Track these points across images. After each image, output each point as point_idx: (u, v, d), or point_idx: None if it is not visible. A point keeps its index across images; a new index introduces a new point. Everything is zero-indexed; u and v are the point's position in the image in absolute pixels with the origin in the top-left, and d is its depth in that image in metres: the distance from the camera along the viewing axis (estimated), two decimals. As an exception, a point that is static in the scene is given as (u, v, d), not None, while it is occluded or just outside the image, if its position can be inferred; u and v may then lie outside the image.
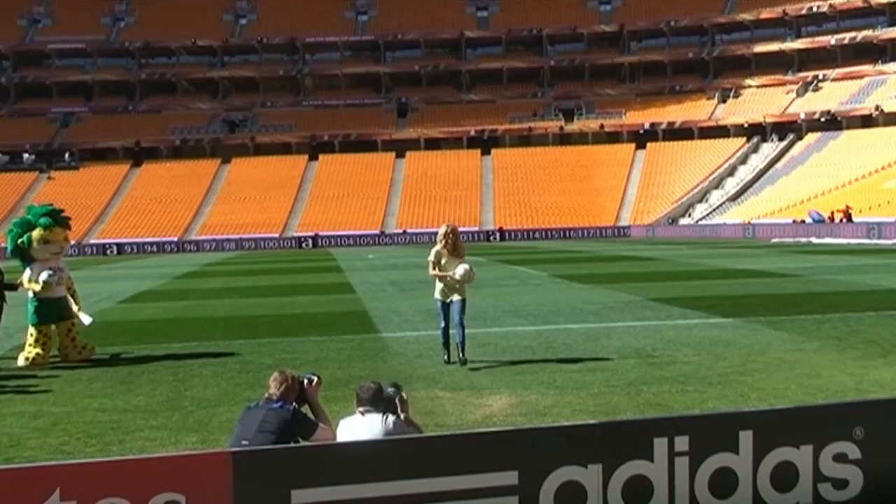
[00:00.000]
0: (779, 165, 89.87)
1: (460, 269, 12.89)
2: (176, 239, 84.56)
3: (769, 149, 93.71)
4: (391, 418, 6.83)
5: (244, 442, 6.55)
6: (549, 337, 15.68)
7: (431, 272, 13.17)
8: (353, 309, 21.85)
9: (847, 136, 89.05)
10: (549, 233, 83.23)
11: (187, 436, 9.27)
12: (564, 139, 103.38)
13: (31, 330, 14.72)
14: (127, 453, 8.41)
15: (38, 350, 14.52)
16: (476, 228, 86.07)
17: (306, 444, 6.57)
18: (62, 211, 15.41)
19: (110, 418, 10.24)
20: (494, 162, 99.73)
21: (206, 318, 20.58)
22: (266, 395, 7.00)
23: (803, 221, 66.42)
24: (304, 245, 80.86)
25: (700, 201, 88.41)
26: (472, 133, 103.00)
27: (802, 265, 33.41)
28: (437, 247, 13.19)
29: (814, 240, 58.84)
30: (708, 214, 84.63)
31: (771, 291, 23.22)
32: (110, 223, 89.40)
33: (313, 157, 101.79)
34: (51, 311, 14.75)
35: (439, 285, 13.17)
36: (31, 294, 14.85)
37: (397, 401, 7.13)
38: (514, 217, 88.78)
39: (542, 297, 23.60)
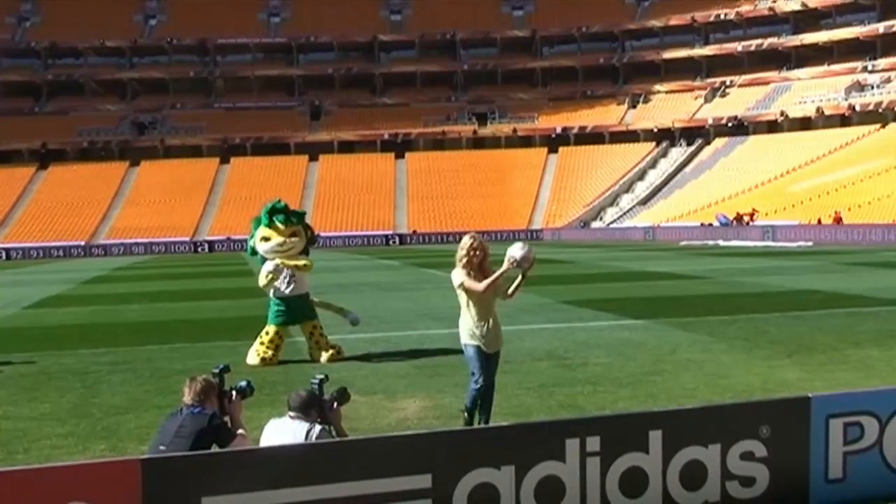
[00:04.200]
0: (687, 169, 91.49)
1: (517, 249, 8.73)
2: (83, 243, 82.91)
3: (678, 153, 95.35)
4: (317, 430, 6.75)
5: (161, 448, 6.48)
6: (462, 340, 15.73)
7: (480, 288, 8.90)
8: (266, 313, 21.68)
9: (753, 140, 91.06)
10: (463, 236, 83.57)
11: (96, 443, 9.10)
12: (478, 143, 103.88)
13: (269, 328, 14.44)
14: (33, 462, 8.21)
15: (272, 352, 14.23)
16: (390, 232, 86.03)
17: (218, 450, 6.49)
18: (285, 207, 14.83)
19: (15, 426, 9.99)
20: (408, 165, 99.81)
21: (115, 324, 20.22)
22: (183, 402, 6.91)
23: (711, 224, 67.70)
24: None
25: (611, 205, 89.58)
26: (386, 136, 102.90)
27: (710, 267, 34.04)
28: (459, 268, 9.12)
29: (721, 242, 60.00)
30: (619, 218, 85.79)
31: (680, 293, 23.61)
32: (15, 227, 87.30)
33: (225, 160, 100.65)
34: (288, 311, 14.49)
35: (478, 325, 8.96)
36: (271, 294, 14.61)
37: (329, 407, 7.06)
38: (429, 220, 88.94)
39: (456, 300, 23.64)
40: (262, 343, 14.36)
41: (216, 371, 7.19)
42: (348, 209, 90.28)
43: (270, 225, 14.64)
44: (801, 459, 6.60)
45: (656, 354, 13.59)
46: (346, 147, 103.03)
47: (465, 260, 9.00)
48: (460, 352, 14.35)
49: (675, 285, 26.35)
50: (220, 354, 14.61)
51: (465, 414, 9.00)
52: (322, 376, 7.12)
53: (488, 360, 8.94)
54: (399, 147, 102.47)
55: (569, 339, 15.51)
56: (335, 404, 7.11)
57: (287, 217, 14.69)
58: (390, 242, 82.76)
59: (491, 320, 8.97)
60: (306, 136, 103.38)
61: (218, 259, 60.88)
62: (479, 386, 8.87)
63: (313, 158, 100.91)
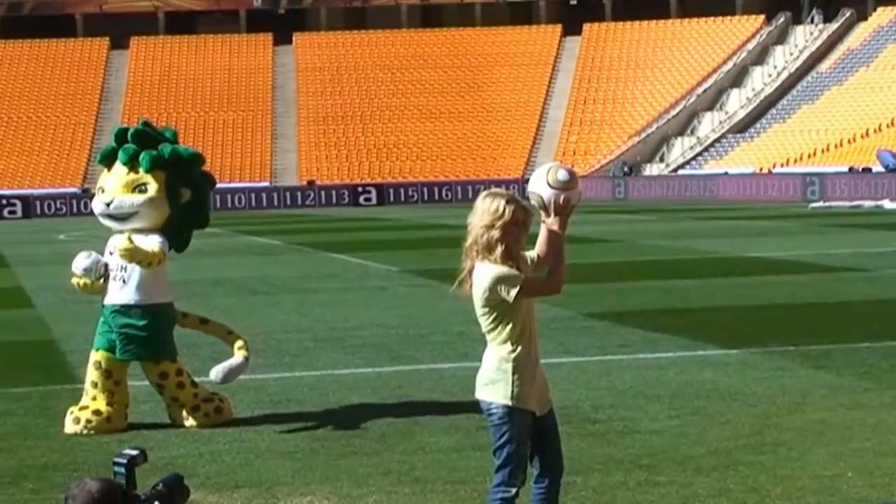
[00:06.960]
0: (823, 67, 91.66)
1: (561, 171, 8.18)
2: None
3: (806, 36, 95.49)
4: None
5: None
6: (400, 386, 15.79)
7: (557, 287, 8.44)
8: (28, 338, 21.84)
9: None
10: (403, 192, 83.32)
11: None
12: (430, 17, 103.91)
13: (90, 365, 14.08)
14: None
15: (100, 405, 13.77)
16: (266, 184, 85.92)
17: None
18: (139, 133, 13.98)
19: None
20: (299, 57, 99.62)
21: None
22: None
23: (868, 170, 67.89)
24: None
25: (681, 133, 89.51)
26: (258, 3, 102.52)
27: (865, 250, 34.32)
28: (488, 261, 8.10)
29: (886, 203, 60.22)
30: (695, 157, 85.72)
31: (808, 299, 23.83)
32: None
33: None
34: (109, 332, 14.03)
35: (520, 364, 8.23)
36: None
37: None
38: (337, 162, 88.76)
39: (388, 311, 23.68)
40: (86, 393, 14.03)
41: None
42: (187, 139, 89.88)
43: (108, 164, 14.15)
44: None
45: (765, 412, 13.68)
46: (183, 23, 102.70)
47: (502, 246, 8.08)
48: (398, 411, 14.38)
49: (798, 284, 26.60)
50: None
51: None
52: (134, 452, 7.05)
53: (539, 431, 8.35)
54: (283, 23, 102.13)
55: (602, 383, 15.63)
56: None
57: (133, 154, 13.92)
58: (266, 202, 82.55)
59: (537, 351, 8.42)
60: (105, 2, 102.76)
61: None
62: (513, 488, 8.24)
63: (119, 45, 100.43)
